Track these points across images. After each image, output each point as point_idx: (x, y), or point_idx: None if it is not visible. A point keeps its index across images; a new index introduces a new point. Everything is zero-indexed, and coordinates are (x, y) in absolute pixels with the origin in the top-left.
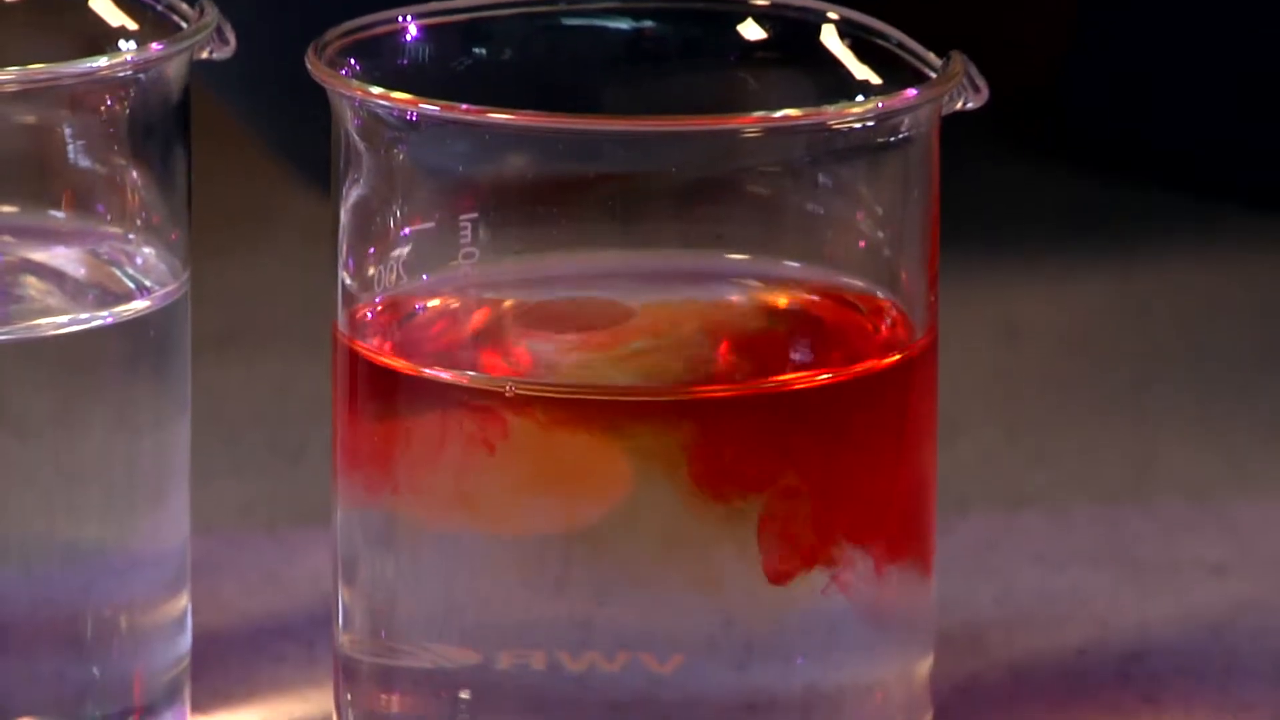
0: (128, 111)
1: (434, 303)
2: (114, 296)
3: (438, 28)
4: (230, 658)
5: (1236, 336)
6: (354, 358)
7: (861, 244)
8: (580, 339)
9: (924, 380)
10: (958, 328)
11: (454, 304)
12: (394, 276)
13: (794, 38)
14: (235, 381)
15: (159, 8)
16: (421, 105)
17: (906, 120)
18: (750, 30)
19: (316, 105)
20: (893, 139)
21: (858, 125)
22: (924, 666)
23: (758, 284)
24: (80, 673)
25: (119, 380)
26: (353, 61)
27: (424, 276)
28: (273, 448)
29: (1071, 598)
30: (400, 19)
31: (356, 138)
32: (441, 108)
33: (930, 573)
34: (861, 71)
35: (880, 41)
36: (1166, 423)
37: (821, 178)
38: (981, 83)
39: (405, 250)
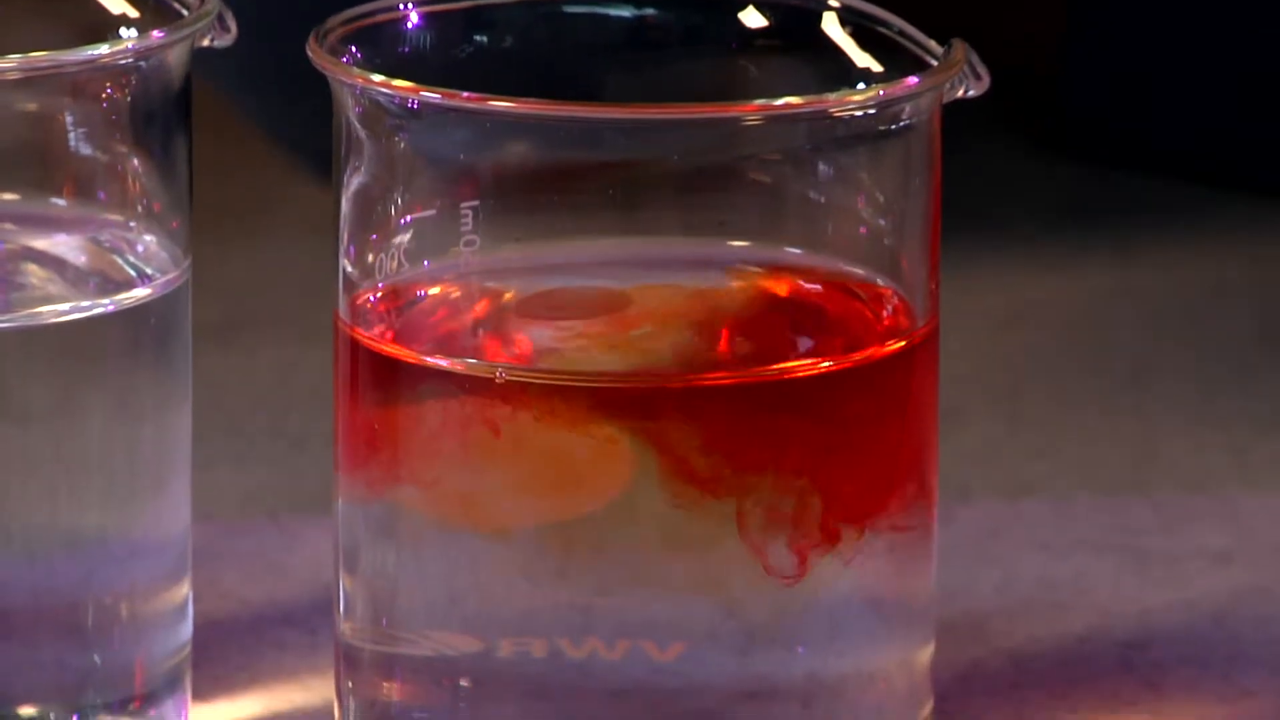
0: (129, 99)
1: (435, 290)
2: (115, 284)
3: (439, 15)
4: (231, 645)
5: (1238, 325)
6: (355, 345)
7: (863, 231)
8: (581, 327)
9: (925, 368)
10: (959, 316)
11: (455, 292)
12: (395, 264)
13: (795, 25)
14: (236, 369)
15: None
16: (423, 93)
17: (908, 108)
18: (752, 18)
19: (318, 93)
20: (894, 127)
21: (859, 113)
22: (925, 654)
23: (759, 271)
24: (81, 660)
25: (120, 368)
26: (354, 49)
27: (425, 264)
28: (274, 435)
29: (1073, 586)
30: (401, 6)
31: (358, 125)
32: (443, 95)
33: (932, 561)
34: (863, 59)
35: (881, 29)
36: (1168, 412)
37: (823, 165)
38: (983, 70)
39: (406, 238)
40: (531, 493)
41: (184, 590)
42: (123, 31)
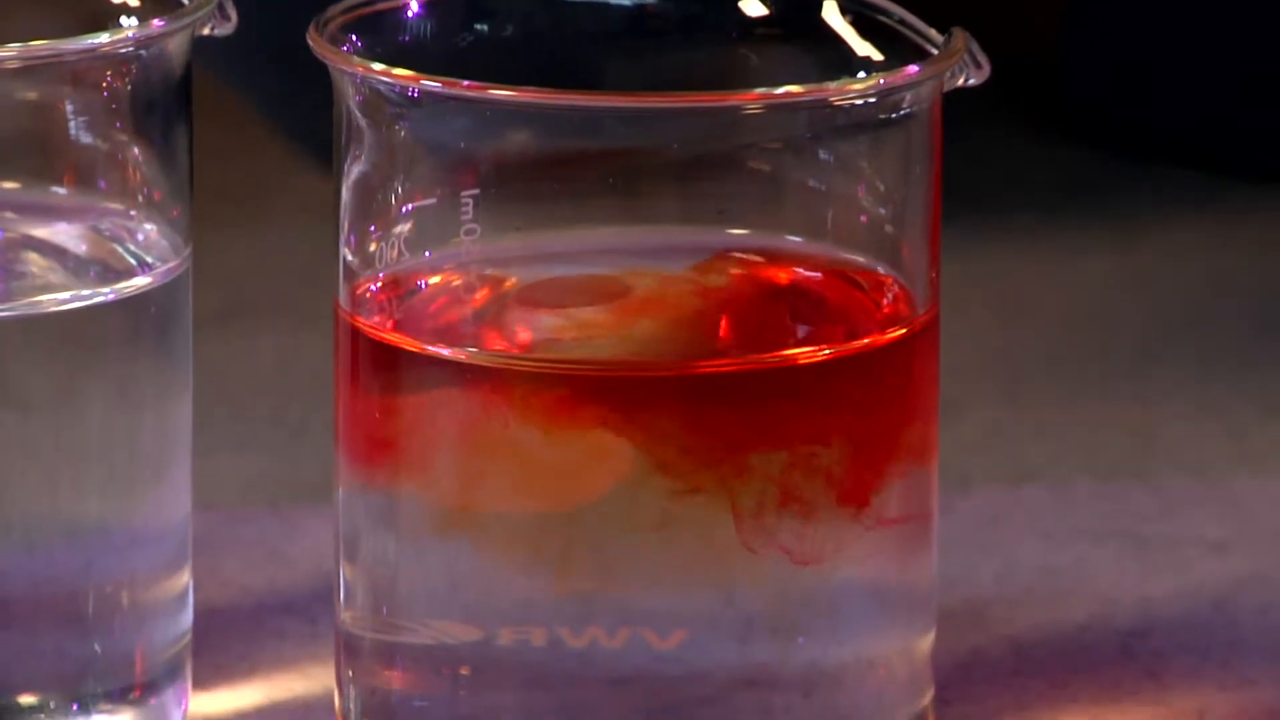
0: (129, 88)
1: (435, 279)
2: (115, 273)
3: (439, 3)
4: (232, 634)
5: (1238, 311)
6: (355, 334)
7: (863, 220)
8: (581, 315)
9: (925, 356)
10: (959, 303)
11: (455, 280)
12: (395, 253)
13: (796, 14)
14: (237, 358)
15: None
16: (423, 82)
17: (908, 97)
18: (752, 6)
19: (318, 81)
20: (894, 115)
21: (859, 102)
22: (926, 642)
23: (759, 260)
24: (81, 649)
25: (120, 357)
26: (354, 38)
27: (426, 253)
28: (274, 424)
29: (1074, 574)
30: None
31: (358, 114)
32: (443, 84)
33: (932, 548)
34: (863, 48)
35: (882, 18)
36: (1168, 398)
37: (823, 154)
38: (983, 59)
39: (407, 227)
40: (532, 481)
41: (184, 579)
42: (123, 20)
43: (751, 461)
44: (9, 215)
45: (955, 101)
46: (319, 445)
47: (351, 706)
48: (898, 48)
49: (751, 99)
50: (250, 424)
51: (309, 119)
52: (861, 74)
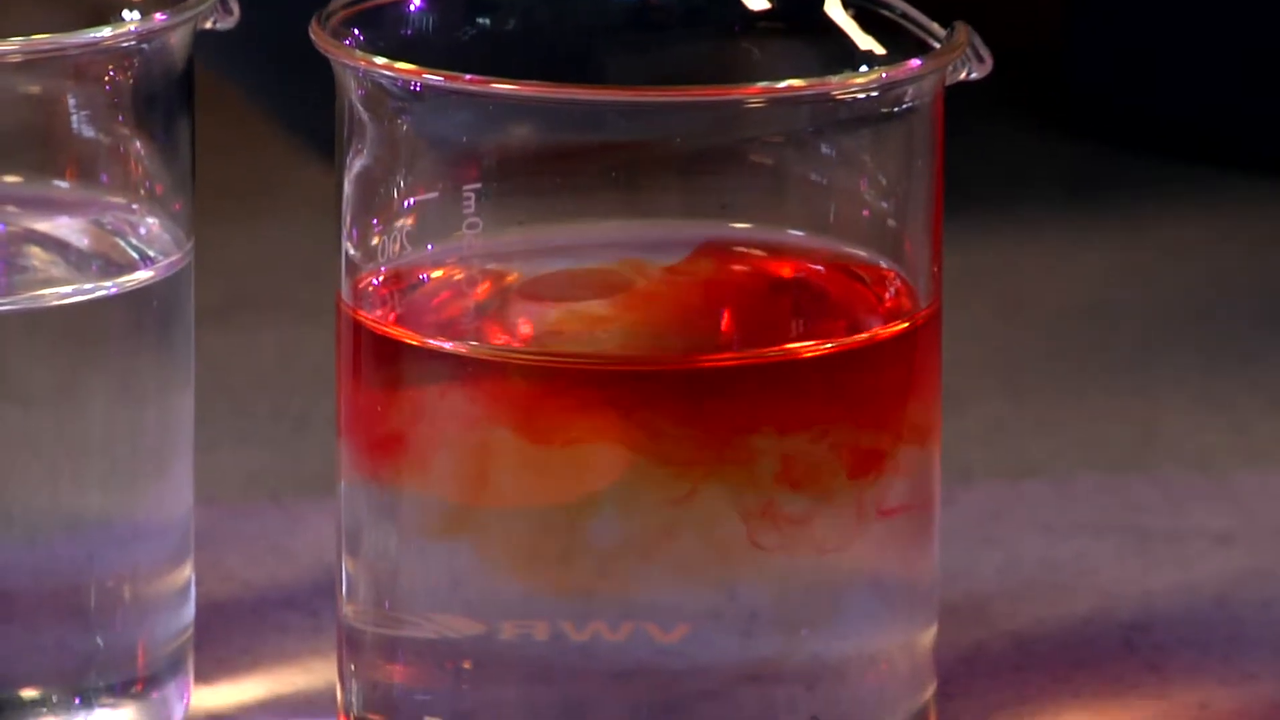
0: (131, 82)
1: (437, 273)
2: (117, 267)
3: None
4: (234, 628)
5: (1241, 305)
6: (357, 328)
7: (865, 214)
8: (584, 309)
9: (928, 350)
10: (961, 297)
11: (457, 274)
12: (397, 247)
13: (798, 7)
14: (239, 351)
15: None
16: (425, 76)
17: (910, 91)
18: (754, 0)
19: (320, 75)
20: (897, 109)
21: (862, 96)
22: (928, 636)
23: (762, 254)
24: (84, 643)
25: (122, 350)
26: (356, 31)
27: (428, 247)
28: (276, 417)
29: (1075, 567)
30: None
31: (360, 108)
32: (445, 78)
33: (934, 542)
34: (865, 41)
35: (884, 11)
36: (1171, 392)
37: (825, 148)
38: (985, 53)
39: (409, 220)
40: (535, 475)
41: (186, 573)
42: (125, 14)
43: (754, 456)
44: (11, 209)
45: (957, 95)
46: (321, 439)
47: (354, 700)
48: (900, 41)
49: (754, 93)
50: (252, 418)
51: (311, 113)
52: (864, 68)
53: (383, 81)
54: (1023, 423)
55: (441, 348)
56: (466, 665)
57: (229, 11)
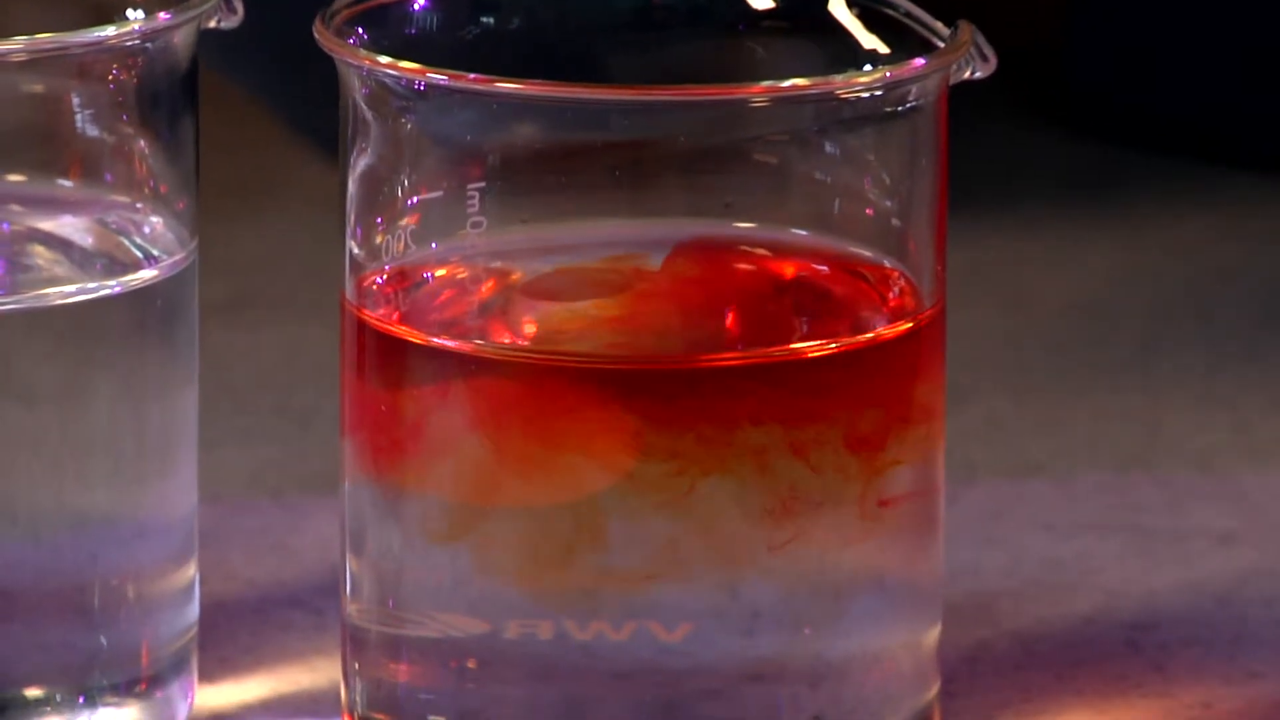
0: (135, 81)
1: (441, 272)
2: (122, 265)
3: None
4: (238, 627)
5: (1244, 303)
6: (361, 327)
7: (869, 213)
8: (587, 308)
9: (932, 349)
10: (963, 295)
11: (461, 273)
12: (401, 245)
13: (802, 6)
14: (242, 350)
15: None
16: (429, 75)
17: (914, 89)
18: None
19: (324, 74)
20: (901, 108)
21: (866, 95)
22: (932, 635)
23: (765, 253)
24: (87, 642)
25: (126, 349)
26: (360, 30)
27: (432, 245)
28: (280, 416)
29: (1079, 566)
30: None
31: (364, 107)
32: (449, 77)
33: (938, 541)
34: (869, 40)
35: (888, 10)
36: (1174, 390)
37: (829, 147)
38: (990, 52)
39: (413, 219)
40: (538, 473)
41: (190, 571)
42: (129, 13)
43: (757, 455)
44: (15, 208)
45: (958, 93)
46: (325, 438)
47: (357, 699)
48: (904, 40)
49: (758, 92)
50: (256, 416)
51: (315, 112)
52: (868, 67)
53: (387, 80)
54: (1025, 421)
55: (445, 346)
56: (470, 664)
57: (233, 10)
